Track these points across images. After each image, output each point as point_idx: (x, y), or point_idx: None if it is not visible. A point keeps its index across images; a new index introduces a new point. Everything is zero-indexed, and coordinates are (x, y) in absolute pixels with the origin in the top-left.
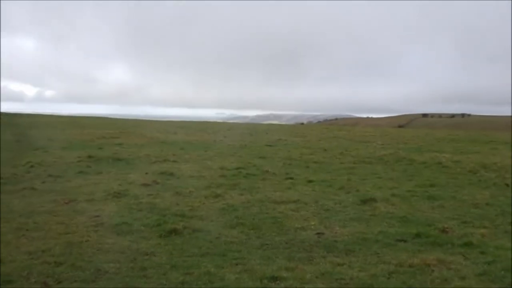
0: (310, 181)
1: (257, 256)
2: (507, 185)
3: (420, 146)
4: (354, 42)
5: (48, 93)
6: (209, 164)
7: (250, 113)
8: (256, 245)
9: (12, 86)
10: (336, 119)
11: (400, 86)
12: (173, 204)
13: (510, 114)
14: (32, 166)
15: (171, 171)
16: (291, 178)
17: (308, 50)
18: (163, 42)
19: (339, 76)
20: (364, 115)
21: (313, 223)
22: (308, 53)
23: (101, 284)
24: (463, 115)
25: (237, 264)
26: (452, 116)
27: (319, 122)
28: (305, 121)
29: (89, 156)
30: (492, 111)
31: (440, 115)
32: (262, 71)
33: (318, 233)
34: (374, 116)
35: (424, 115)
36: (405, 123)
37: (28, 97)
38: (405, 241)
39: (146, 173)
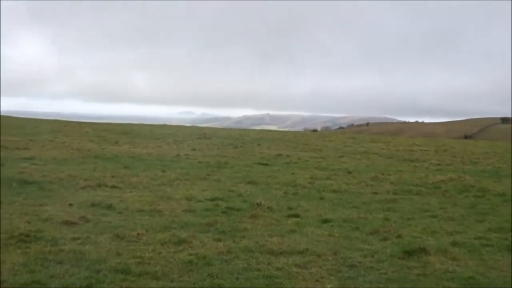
0: (325, 221)
1: None
2: None
3: (497, 169)
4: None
5: None
6: (169, 192)
7: (234, 113)
8: None
9: None
10: (367, 124)
11: (466, 75)
12: (112, 254)
13: None
14: None
15: (109, 202)
16: (297, 216)
17: (323, 18)
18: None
19: (372, 59)
20: (411, 119)
21: (330, 287)
22: (323, 23)
23: None
24: None
25: None
26: None
27: (340, 128)
28: (318, 127)
29: None
30: None
31: None
32: (253, 52)
33: None
34: (426, 120)
35: (504, 120)
36: (474, 132)
37: None
38: None
39: (70, 205)
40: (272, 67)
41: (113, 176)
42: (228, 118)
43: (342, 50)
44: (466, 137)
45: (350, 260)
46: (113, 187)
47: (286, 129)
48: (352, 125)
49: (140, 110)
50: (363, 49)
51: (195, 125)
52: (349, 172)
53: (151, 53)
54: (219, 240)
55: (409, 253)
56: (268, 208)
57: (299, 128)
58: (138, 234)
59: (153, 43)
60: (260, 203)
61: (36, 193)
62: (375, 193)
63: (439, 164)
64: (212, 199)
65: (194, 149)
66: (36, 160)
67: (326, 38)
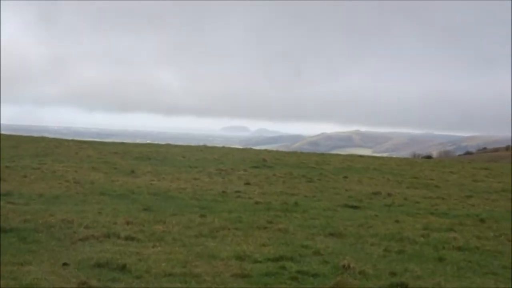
0: None
1: None
2: None
3: None
4: None
5: None
6: (211, 247)
7: (308, 130)
8: None
9: None
10: (509, 148)
11: None
12: None
13: None
14: None
15: (123, 262)
16: (403, 285)
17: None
18: None
19: None
20: None
21: None
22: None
23: None
24: None
25: None
26: None
27: (467, 154)
28: (434, 152)
29: None
30: None
31: None
32: (338, 40)
33: None
34: None
35: None
36: None
37: None
38: None
39: (65, 265)
40: (363, 62)
41: (128, 223)
42: (298, 137)
43: (479, 40)
44: None
45: None
46: (129, 238)
47: (385, 154)
48: (485, 148)
49: (168, 123)
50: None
51: (249, 147)
52: (482, 220)
53: (186, 37)
54: None
55: None
56: (360, 273)
57: (404, 152)
58: None
59: (189, 23)
60: (349, 265)
61: (15, 247)
62: None
63: None
64: (276, 259)
65: (248, 183)
66: (15, 197)
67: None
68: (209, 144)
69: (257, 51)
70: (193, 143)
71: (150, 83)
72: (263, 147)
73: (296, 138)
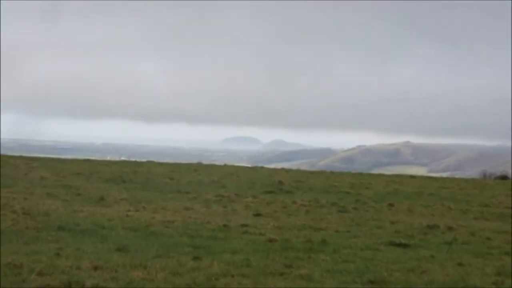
0: None
1: None
2: None
3: None
4: None
5: None
6: None
7: (340, 142)
8: None
9: None
10: None
11: None
12: None
13: None
14: None
15: None
16: None
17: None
18: None
19: None
20: None
21: None
22: None
23: None
24: None
25: None
26: None
27: None
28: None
29: None
30: None
31: None
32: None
33: None
34: None
35: None
36: None
37: None
38: None
39: None
40: (410, 51)
41: (95, 268)
42: (327, 152)
43: None
44: None
45: None
46: None
47: (445, 174)
48: None
49: (151, 134)
50: None
51: (260, 165)
52: None
53: (176, 19)
54: None
55: None
56: None
57: (471, 171)
58: None
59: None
60: None
61: None
62: None
63: None
64: None
65: (258, 214)
66: None
67: None
68: (207, 161)
69: (269, 38)
70: (184, 160)
71: (126, 80)
72: (279, 165)
73: (324, 153)
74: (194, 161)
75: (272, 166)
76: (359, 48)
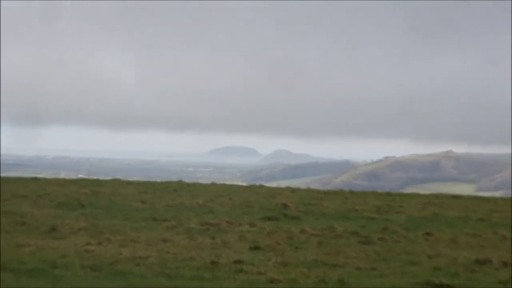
0: None
1: None
2: None
3: None
4: None
5: None
6: None
7: (367, 152)
8: None
9: None
10: None
11: None
12: None
13: None
14: None
15: None
16: None
17: None
18: None
19: None
20: None
21: None
22: None
23: None
24: None
25: None
26: None
27: None
28: None
29: None
30: None
31: None
32: None
33: None
34: None
35: None
36: None
37: None
38: None
39: None
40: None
41: None
42: (345, 165)
43: None
44: None
45: None
46: None
47: (498, 193)
48: None
49: (118, 144)
50: None
51: (259, 183)
52: None
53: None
54: None
55: None
56: None
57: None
58: None
59: None
60: None
61: None
62: None
63: None
64: None
65: (257, 248)
66: None
67: None
68: (189, 179)
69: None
70: (161, 178)
71: (84, 76)
72: (283, 183)
73: (341, 166)
74: (174, 178)
75: (274, 184)
76: (381, 39)
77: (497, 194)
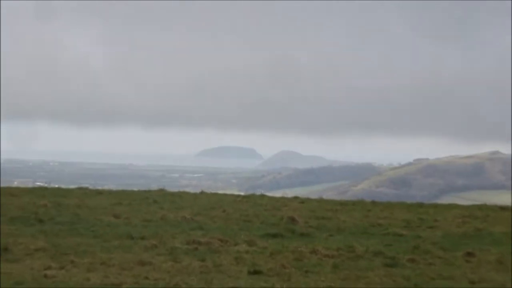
0: None
1: None
2: None
3: None
4: None
5: None
6: None
7: (432, 150)
8: None
9: None
10: None
11: None
12: None
13: None
14: None
15: None
16: None
17: None
18: None
19: None
20: None
21: None
22: None
23: None
24: None
25: None
26: None
27: None
28: None
29: None
30: None
31: None
32: None
33: None
34: None
35: None
36: None
37: None
38: None
39: None
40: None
41: None
42: (367, 169)
43: None
44: None
45: None
46: None
47: None
48: None
49: (83, 143)
50: None
51: (259, 191)
52: None
53: None
54: None
55: None
56: None
57: None
58: None
59: None
60: None
61: None
62: None
63: None
64: None
65: (257, 272)
66: None
67: None
68: (174, 186)
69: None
70: (138, 186)
71: (41, 60)
72: (289, 192)
73: (362, 171)
74: (154, 186)
75: (278, 193)
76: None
77: None
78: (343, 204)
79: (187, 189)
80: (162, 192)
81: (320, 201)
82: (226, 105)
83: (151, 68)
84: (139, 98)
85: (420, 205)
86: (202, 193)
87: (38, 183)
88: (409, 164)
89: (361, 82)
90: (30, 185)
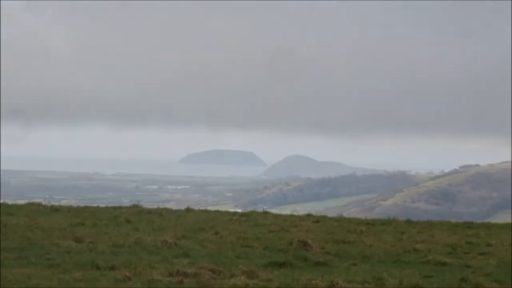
0: None
1: None
2: None
3: None
4: None
5: None
6: None
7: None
8: None
9: None
10: None
11: None
12: None
13: None
14: None
15: None
16: None
17: None
18: None
19: None
20: None
21: None
22: None
23: None
24: None
25: None
26: None
27: None
28: None
29: None
30: None
31: None
32: None
33: None
34: None
35: None
36: None
37: None
38: None
39: None
40: None
41: None
42: (399, 179)
43: None
44: None
45: None
46: None
47: None
48: None
49: (38, 144)
50: None
51: (262, 208)
52: None
53: None
54: None
55: None
56: None
57: None
58: None
59: None
60: None
61: None
62: None
63: None
64: None
65: None
66: None
67: None
68: (152, 201)
69: None
70: (105, 201)
71: None
72: (300, 208)
73: (394, 181)
74: (126, 202)
75: (286, 210)
76: None
77: None
78: (369, 224)
79: (169, 205)
80: (136, 209)
81: (340, 220)
82: (220, 99)
83: (126, 56)
84: (109, 90)
85: (468, 225)
86: (188, 210)
87: None
88: (454, 172)
89: (391, 70)
90: None
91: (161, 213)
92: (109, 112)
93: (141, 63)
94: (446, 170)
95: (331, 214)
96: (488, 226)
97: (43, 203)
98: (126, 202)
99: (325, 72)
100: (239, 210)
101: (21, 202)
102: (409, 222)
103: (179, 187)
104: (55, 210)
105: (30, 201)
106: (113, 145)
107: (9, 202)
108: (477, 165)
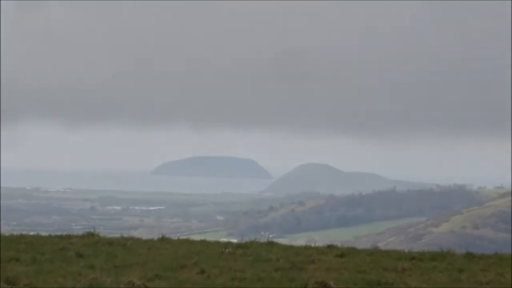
0: None
1: None
2: None
3: None
4: None
5: None
6: None
7: None
8: None
9: None
10: None
11: None
12: None
13: None
14: None
15: None
16: None
17: None
18: None
19: None
20: None
21: None
22: None
23: None
24: None
25: None
26: None
27: None
28: None
29: None
30: None
31: None
32: None
33: None
34: None
35: None
36: None
37: None
38: None
39: None
40: None
41: None
42: (456, 195)
43: None
44: None
45: None
46: None
47: None
48: None
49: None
50: None
51: (265, 237)
52: None
53: None
54: None
55: None
56: None
57: None
58: None
59: None
60: None
61: None
62: None
63: None
64: None
65: None
66: None
67: None
68: (112, 227)
69: None
70: (47, 226)
71: None
72: (318, 236)
73: (449, 198)
74: (78, 227)
75: (300, 239)
76: None
77: None
78: (415, 258)
79: (137, 233)
80: (91, 239)
81: (374, 253)
82: (209, 91)
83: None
84: (59, 81)
85: None
86: (163, 240)
87: None
88: None
89: (435, 58)
90: None
91: (126, 244)
92: (58, 107)
93: (102, 48)
94: None
95: (362, 245)
96: None
97: None
98: (78, 229)
99: (352, 64)
100: (234, 240)
101: None
102: (470, 256)
103: (151, 208)
104: None
105: None
106: (61, 150)
107: None
108: None
